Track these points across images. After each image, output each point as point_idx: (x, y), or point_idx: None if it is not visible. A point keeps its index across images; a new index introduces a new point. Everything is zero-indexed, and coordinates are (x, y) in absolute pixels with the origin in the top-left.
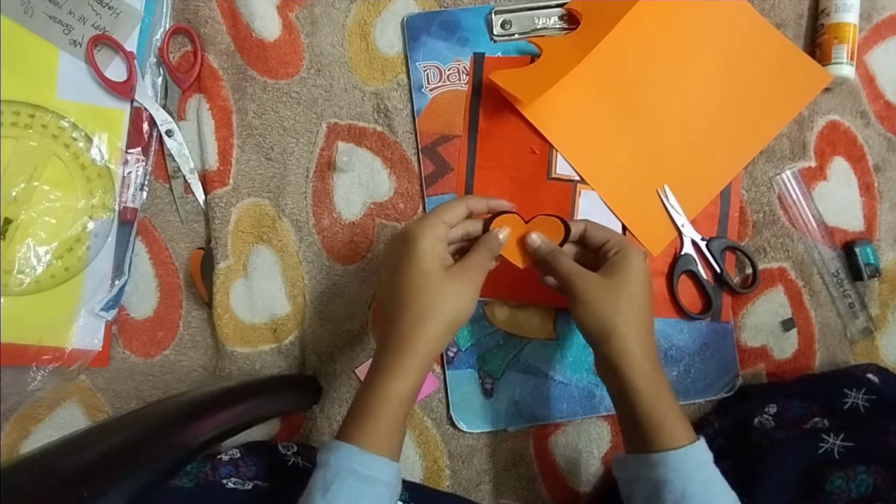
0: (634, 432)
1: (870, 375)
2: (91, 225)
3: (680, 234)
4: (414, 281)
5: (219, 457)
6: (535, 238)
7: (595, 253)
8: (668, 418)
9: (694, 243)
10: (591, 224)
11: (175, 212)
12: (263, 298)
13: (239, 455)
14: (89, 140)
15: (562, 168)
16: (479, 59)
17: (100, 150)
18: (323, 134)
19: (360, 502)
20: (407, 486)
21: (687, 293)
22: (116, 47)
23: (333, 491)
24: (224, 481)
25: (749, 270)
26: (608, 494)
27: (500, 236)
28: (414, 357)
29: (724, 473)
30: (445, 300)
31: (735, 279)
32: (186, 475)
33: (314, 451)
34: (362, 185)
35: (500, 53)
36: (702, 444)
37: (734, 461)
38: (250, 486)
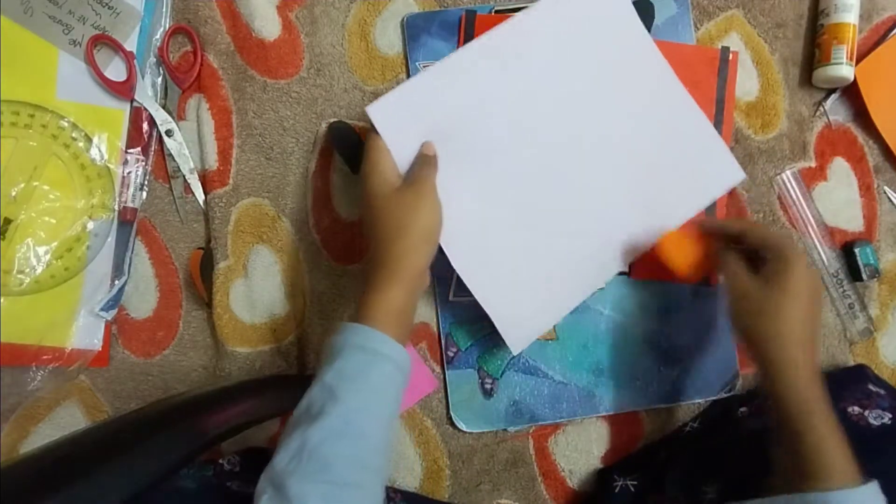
0: (792, 462)
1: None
2: (91, 225)
3: None
4: (377, 208)
5: (220, 462)
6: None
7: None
8: (830, 448)
9: None
10: (751, 226)
11: (175, 212)
12: (263, 298)
13: (239, 460)
14: (89, 140)
15: None
16: (470, 17)
17: (99, 150)
18: (323, 134)
19: (368, 376)
20: (404, 495)
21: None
22: (116, 47)
23: (338, 366)
24: (228, 484)
25: None
26: (607, 494)
27: (431, 153)
28: (397, 271)
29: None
30: (407, 213)
31: None
32: (189, 477)
33: None
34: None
35: None
36: (872, 488)
37: (709, 448)
38: (253, 490)
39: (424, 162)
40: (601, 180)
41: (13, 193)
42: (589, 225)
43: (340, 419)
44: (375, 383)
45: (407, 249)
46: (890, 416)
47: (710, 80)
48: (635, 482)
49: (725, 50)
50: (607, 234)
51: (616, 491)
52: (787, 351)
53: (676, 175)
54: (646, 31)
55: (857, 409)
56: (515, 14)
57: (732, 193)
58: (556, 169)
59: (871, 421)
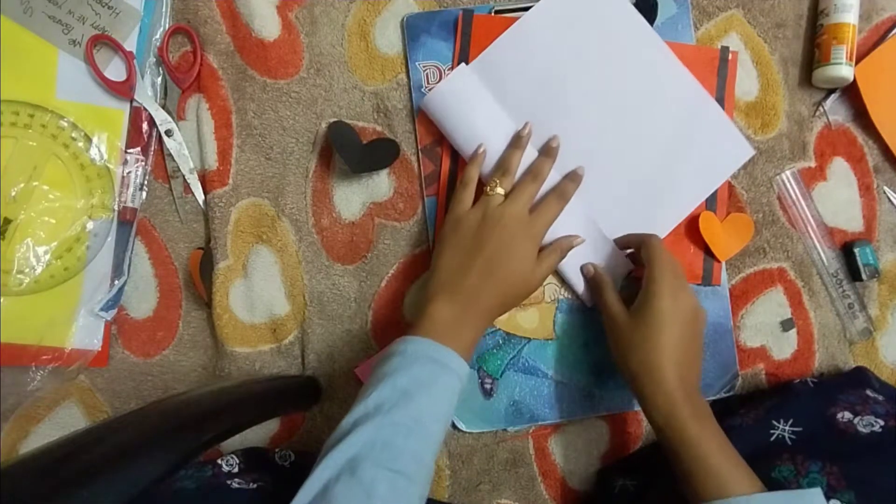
0: (685, 483)
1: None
2: (90, 225)
3: None
4: (511, 237)
5: (219, 462)
6: (590, 267)
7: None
8: (718, 464)
9: None
10: (649, 243)
11: (175, 212)
12: (263, 298)
13: (238, 461)
14: (89, 140)
15: None
16: (467, 17)
17: (99, 150)
18: (323, 134)
19: (437, 384)
20: None
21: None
22: (116, 47)
23: (413, 373)
24: (228, 482)
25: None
26: (607, 494)
27: (575, 242)
28: (487, 315)
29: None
30: (533, 274)
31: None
32: (188, 478)
33: (313, 457)
34: (362, 184)
35: None
36: (765, 497)
37: None
38: (255, 486)
39: (559, 247)
40: (620, 166)
41: (13, 193)
42: (611, 212)
43: (412, 418)
44: (442, 391)
45: (506, 301)
46: (882, 423)
47: (709, 80)
48: (635, 482)
49: (725, 50)
50: (629, 219)
51: (616, 491)
52: (658, 384)
53: (690, 157)
54: (646, 23)
55: (847, 415)
56: (521, 16)
57: (732, 193)
58: (575, 160)
59: (860, 429)
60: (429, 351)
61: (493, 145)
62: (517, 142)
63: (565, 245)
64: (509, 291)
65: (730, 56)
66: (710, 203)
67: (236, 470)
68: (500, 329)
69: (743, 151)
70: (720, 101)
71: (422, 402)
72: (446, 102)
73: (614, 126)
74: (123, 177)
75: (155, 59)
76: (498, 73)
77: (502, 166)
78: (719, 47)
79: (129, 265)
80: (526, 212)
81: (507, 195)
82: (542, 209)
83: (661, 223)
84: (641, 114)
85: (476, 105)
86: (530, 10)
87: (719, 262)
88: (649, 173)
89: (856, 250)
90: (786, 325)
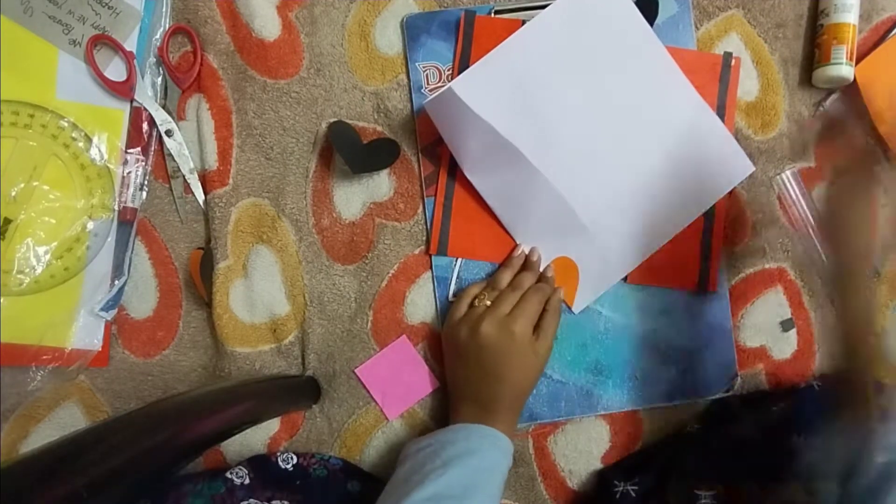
0: None
1: None
2: (91, 225)
3: None
4: (520, 353)
5: (229, 476)
6: None
7: None
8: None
9: None
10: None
11: (175, 212)
12: (263, 298)
13: (247, 472)
14: (89, 140)
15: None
16: (469, 17)
17: (99, 150)
18: (323, 134)
19: (498, 470)
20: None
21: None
22: (116, 47)
23: (477, 462)
24: (243, 503)
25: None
26: (608, 500)
27: (561, 295)
28: (518, 411)
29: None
30: (537, 368)
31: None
32: (199, 496)
33: (313, 457)
34: (362, 185)
35: None
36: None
37: (709, 452)
38: None
39: (553, 313)
40: (621, 178)
41: (13, 193)
42: (609, 220)
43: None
44: (501, 476)
45: (527, 390)
46: None
47: (711, 86)
48: (636, 487)
49: (728, 56)
50: (626, 229)
51: (617, 497)
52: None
53: (689, 171)
54: (651, 32)
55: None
56: (528, 22)
57: (732, 193)
58: (575, 169)
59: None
60: (490, 437)
61: (488, 157)
62: (509, 262)
63: (555, 304)
64: (525, 385)
65: (732, 62)
66: (709, 213)
67: (248, 482)
68: None
69: (743, 167)
70: (722, 107)
71: (487, 490)
72: (443, 111)
73: (615, 137)
74: (123, 177)
75: (155, 59)
76: (499, 80)
77: (492, 284)
78: (722, 53)
79: (129, 265)
80: (505, 314)
81: None
82: (523, 305)
83: (658, 234)
84: (643, 126)
85: (469, 117)
86: (535, 19)
87: (716, 268)
88: (649, 185)
89: None
90: (786, 326)
